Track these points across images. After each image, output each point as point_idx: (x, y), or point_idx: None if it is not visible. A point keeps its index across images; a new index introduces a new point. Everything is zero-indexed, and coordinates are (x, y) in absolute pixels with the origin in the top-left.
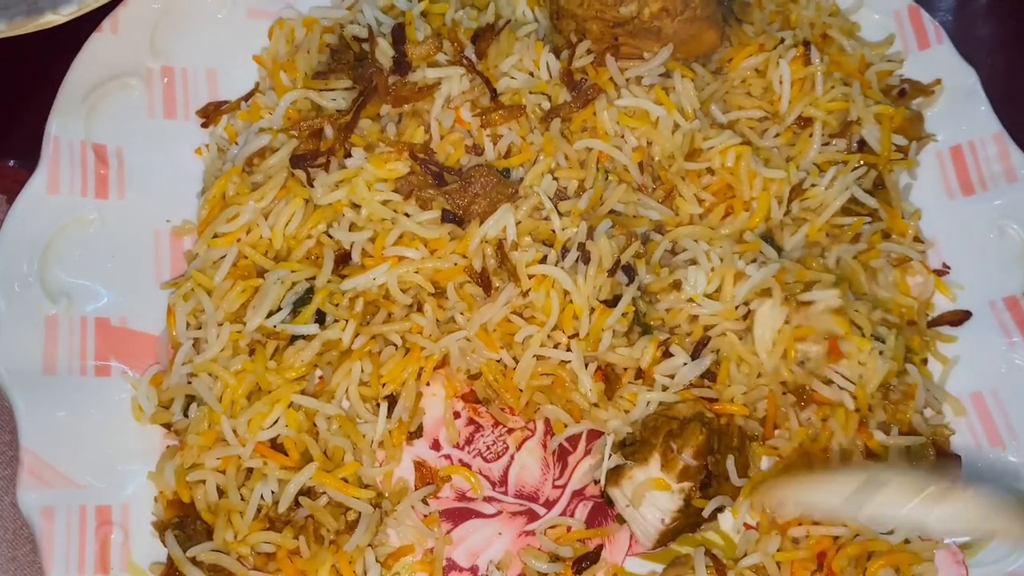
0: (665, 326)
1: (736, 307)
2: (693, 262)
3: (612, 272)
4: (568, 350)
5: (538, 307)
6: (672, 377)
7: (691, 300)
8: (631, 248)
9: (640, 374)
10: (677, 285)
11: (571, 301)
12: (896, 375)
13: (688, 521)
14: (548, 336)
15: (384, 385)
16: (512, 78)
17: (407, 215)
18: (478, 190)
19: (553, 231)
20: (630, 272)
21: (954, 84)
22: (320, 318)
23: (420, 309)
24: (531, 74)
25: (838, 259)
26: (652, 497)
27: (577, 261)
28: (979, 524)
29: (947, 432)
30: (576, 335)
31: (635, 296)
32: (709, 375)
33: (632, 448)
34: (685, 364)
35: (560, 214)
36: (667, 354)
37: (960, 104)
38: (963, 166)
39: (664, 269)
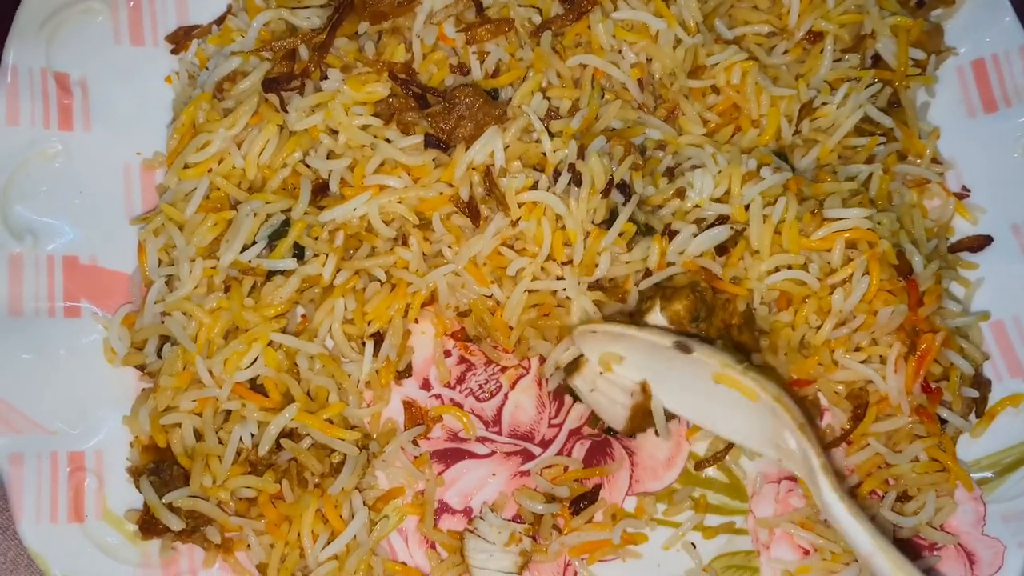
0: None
1: (745, 207)
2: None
3: (606, 193)
4: (559, 278)
5: (529, 237)
6: (682, 253)
7: (697, 206)
8: (628, 160)
9: (649, 275)
10: (680, 193)
11: (563, 227)
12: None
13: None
14: (541, 268)
15: (369, 323)
16: None
17: (388, 141)
18: (463, 112)
19: (544, 154)
20: (626, 190)
21: None
22: (299, 253)
23: (405, 242)
24: None
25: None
26: (605, 380)
27: (569, 184)
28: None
29: (981, 358)
30: (570, 263)
31: (634, 211)
32: (722, 250)
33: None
34: (695, 235)
35: (551, 135)
36: (673, 235)
37: (983, 15)
38: (985, 81)
39: (664, 179)
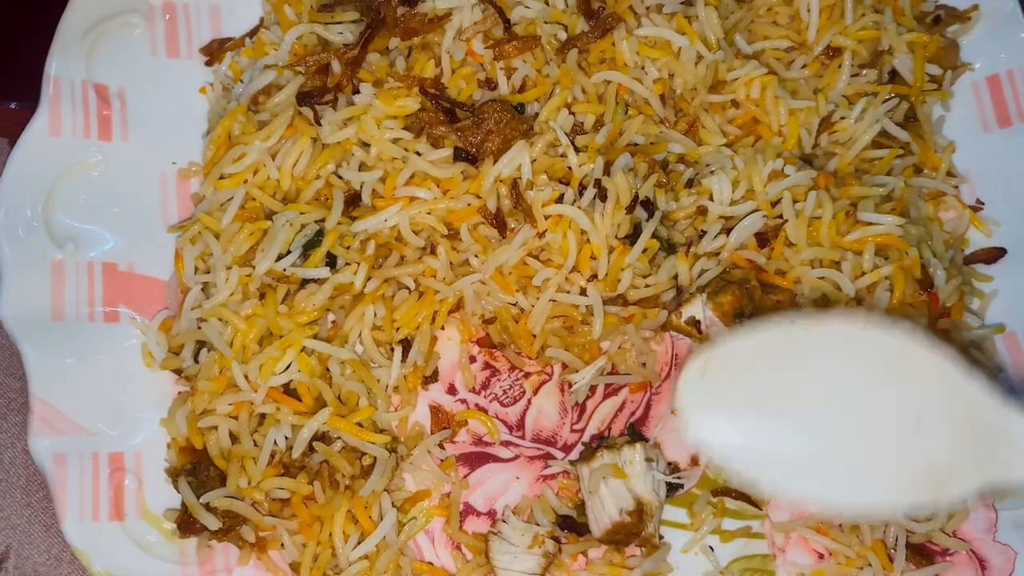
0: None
1: (773, 205)
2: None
3: (630, 209)
4: (583, 293)
5: (555, 248)
6: (718, 254)
7: (722, 217)
8: (652, 178)
9: (680, 292)
10: (703, 211)
11: (588, 241)
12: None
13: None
14: (566, 279)
15: (398, 329)
16: (526, 7)
17: (418, 153)
18: (491, 126)
19: (570, 168)
20: (650, 207)
21: (992, 9)
22: (331, 261)
23: (433, 251)
24: (546, 2)
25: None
26: (612, 484)
27: (594, 199)
28: None
29: (994, 371)
30: (594, 276)
31: (657, 227)
32: (763, 244)
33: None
34: (726, 231)
35: (577, 150)
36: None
37: (998, 31)
38: (1000, 97)
39: (685, 191)
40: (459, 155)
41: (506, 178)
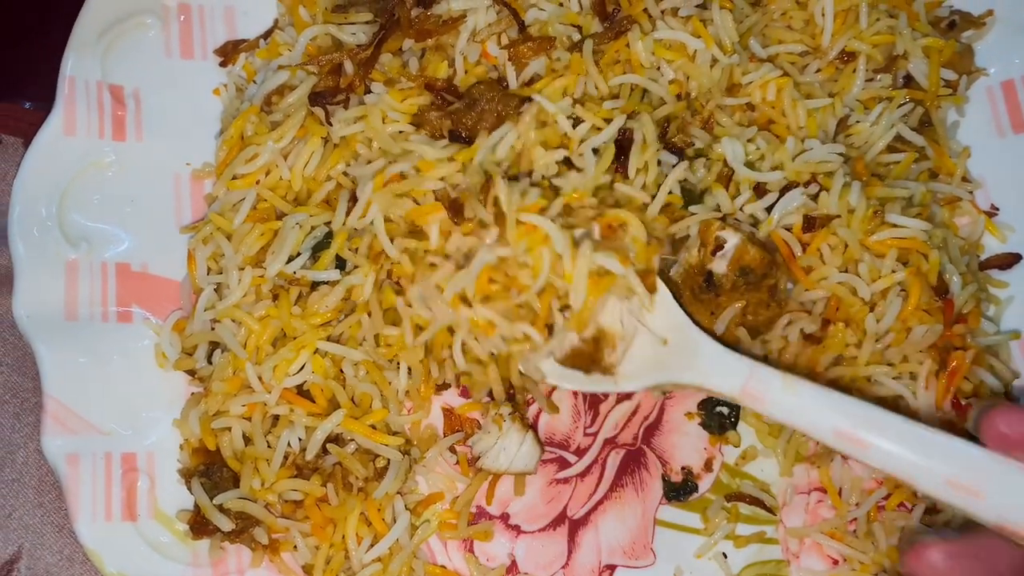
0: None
1: (806, 184)
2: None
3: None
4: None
5: (523, 261)
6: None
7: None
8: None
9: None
10: (723, 179)
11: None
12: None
13: None
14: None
15: None
16: (541, 9)
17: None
18: (484, 106)
19: (565, 135)
20: (679, 152)
21: (1006, 15)
22: (342, 263)
23: None
24: (561, 4)
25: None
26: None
27: (616, 159)
28: None
29: (1011, 376)
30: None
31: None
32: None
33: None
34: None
35: (576, 120)
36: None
37: (1013, 36)
38: (1015, 102)
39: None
40: (454, 137)
41: (496, 160)
